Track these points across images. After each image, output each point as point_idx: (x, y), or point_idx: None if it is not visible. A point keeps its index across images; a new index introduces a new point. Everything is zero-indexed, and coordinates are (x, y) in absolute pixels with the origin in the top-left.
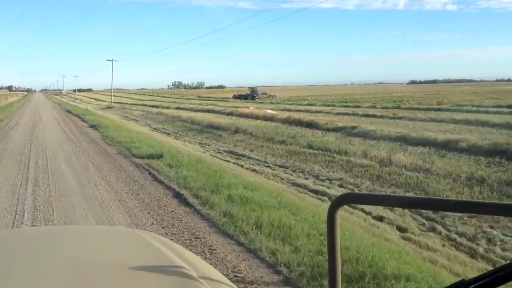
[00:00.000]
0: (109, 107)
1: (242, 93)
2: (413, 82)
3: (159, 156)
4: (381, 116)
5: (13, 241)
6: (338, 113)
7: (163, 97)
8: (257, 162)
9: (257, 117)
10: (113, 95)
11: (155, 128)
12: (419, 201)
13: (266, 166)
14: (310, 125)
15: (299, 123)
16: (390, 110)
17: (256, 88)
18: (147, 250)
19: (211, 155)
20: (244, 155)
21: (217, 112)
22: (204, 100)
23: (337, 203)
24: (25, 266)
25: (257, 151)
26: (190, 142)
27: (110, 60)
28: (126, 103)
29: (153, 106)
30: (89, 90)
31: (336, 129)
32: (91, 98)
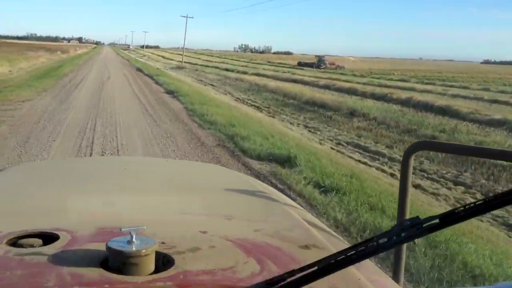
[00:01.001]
0: (179, 67)
1: (308, 61)
2: (487, 62)
3: (286, 159)
4: None
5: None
6: (464, 96)
7: (232, 59)
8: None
9: (363, 95)
10: (180, 55)
11: (239, 99)
12: (489, 151)
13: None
14: (445, 112)
15: (427, 107)
16: None
17: (324, 56)
18: (239, 181)
19: (332, 148)
20: (379, 153)
21: (308, 84)
22: (277, 66)
23: (411, 150)
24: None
25: (399, 148)
26: (292, 124)
27: (184, 17)
28: (196, 64)
29: (226, 70)
30: (156, 47)
31: (496, 123)
32: (159, 55)
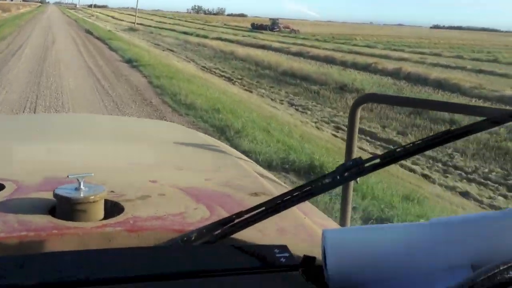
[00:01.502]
0: (132, 29)
1: (262, 23)
2: (436, 27)
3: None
4: None
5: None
6: (445, 66)
7: (186, 21)
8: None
9: (343, 64)
10: (130, 15)
11: (206, 68)
12: (434, 104)
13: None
14: (443, 86)
15: (422, 81)
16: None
17: (277, 19)
18: (191, 136)
19: (334, 135)
20: (394, 142)
21: (278, 50)
22: (234, 29)
23: (359, 102)
24: (71, 142)
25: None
26: (274, 101)
27: None
28: (149, 26)
29: (185, 33)
30: (105, 6)
31: (509, 101)
32: (108, 16)
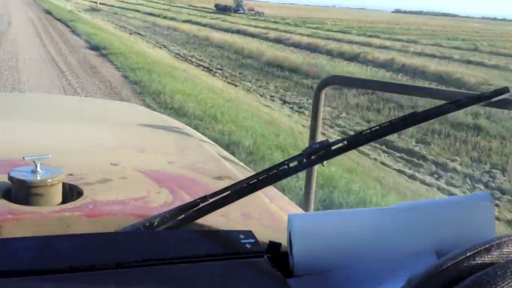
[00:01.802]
0: (94, 9)
1: (226, 5)
2: (397, 11)
3: None
4: None
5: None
6: (430, 55)
7: (149, 1)
8: None
9: (329, 53)
10: None
11: (180, 55)
12: (399, 87)
13: None
14: (445, 80)
15: (419, 74)
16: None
17: (242, 1)
18: (154, 118)
19: None
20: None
21: (255, 36)
22: (201, 11)
23: (322, 85)
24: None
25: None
26: (264, 97)
27: None
28: (112, 6)
29: (151, 15)
30: None
31: None
32: None
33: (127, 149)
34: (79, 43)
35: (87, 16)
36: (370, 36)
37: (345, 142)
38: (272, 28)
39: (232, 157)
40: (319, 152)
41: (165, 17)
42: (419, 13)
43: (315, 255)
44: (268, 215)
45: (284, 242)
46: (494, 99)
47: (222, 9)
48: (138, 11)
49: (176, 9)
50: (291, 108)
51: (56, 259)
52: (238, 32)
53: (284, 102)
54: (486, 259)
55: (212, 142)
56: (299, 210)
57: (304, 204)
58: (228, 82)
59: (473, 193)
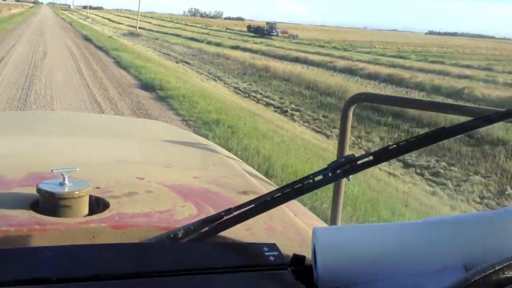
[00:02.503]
0: (133, 34)
1: (258, 26)
2: (431, 33)
3: None
4: None
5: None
6: None
7: (186, 24)
8: None
9: (421, 88)
10: (127, 17)
11: (239, 90)
12: (426, 104)
13: None
14: None
15: None
16: None
17: (275, 24)
18: (180, 135)
19: None
20: None
21: (318, 65)
22: (238, 34)
23: (351, 101)
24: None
25: None
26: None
27: None
28: (151, 30)
29: (193, 40)
30: (100, 8)
31: None
32: (104, 18)
33: (153, 164)
34: (127, 80)
35: (128, 43)
36: (432, 61)
37: (371, 157)
38: (324, 53)
39: (257, 173)
40: (345, 166)
41: (209, 43)
42: (454, 34)
43: (340, 268)
44: (293, 228)
45: (309, 256)
46: None
47: (254, 31)
48: (178, 35)
49: (215, 33)
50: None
51: (81, 268)
52: (297, 60)
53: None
54: None
55: (238, 159)
56: (324, 225)
57: (332, 218)
58: (316, 131)
59: (500, 208)
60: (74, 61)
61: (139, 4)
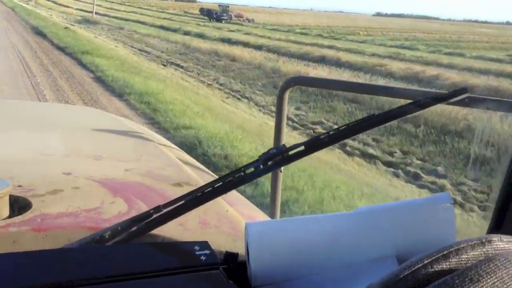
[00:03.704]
0: (89, 21)
1: (209, 9)
2: (379, 14)
3: None
4: None
5: None
6: None
7: (140, 8)
8: None
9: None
10: None
11: (298, 124)
12: (365, 87)
13: None
14: None
15: None
16: None
17: (228, 7)
18: (114, 123)
19: None
20: None
21: (360, 68)
22: (198, 19)
23: (286, 85)
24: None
25: None
26: None
27: None
28: (107, 15)
29: (163, 28)
30: None
31: None
32: (48, 0)
33: (81, 157)
34: (107, 96)
35: (91, 36)
36: (450, 54)
37: (303, 147)
38: (317, 44)
39: (194, 162)
40: (276, 158)
41: (187, 33)
42: (400, 15)
43: (273, 264)
44: (227, 222)
45: (242, 251)
46: (453, 99)
47: (207, 14)
48: (143, 23)
49: (178, 18)
50: None
51: None
52: (323, 60)
53: None
54: (445, 266)
55: (174, 146)
56: (260, 215)
57: (270, 210)
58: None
59: (432, 195)
60: (32, 84)
61: None
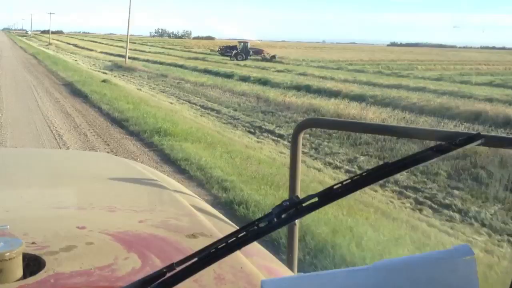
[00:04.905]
0: (122, 67)
1: (228, 45)
2: (393, 44)
3: None
4: None
5: None
6: None
7: (164, 48)
8: None
9: None
10: (92, 41)
11: None
12: (378, 127)
13: None
14: None
15: None
16: None
17: (247, 42)
18: (126, 168)
19: None
20: None
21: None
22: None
23: (300, 127)
24: (9, 182)
25: None
26: None
27: None
28: (138, 59)
29: (209, 73)
30: (60, 32)
31: None
32: (69, 43)
33: (95, 208)
34: None
35: (132, 88)
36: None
37: (316, 198)
38: (399, 86)
39: (210, 209)
40: (290, 210)
41: (244, 79)
42: (417, 45)
43: None
44: (243, 277)
45: None
46: (468, 146)
47: (225, 53)
48: (182, 66)
49: (212, 58)
50: None
51: None
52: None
53: None
54: None
55: (190, 193)
56: (278, 266)
57: (288, 263)
58: None
59: (452, 247)
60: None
61: (128, 29)
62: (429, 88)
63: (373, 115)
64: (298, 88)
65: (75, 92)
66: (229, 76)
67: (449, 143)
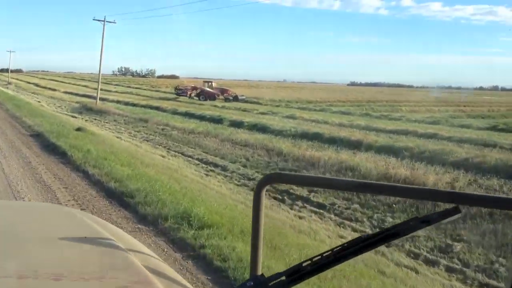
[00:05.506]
0: (92, 110)
1: (185, 86)
2: (353, 84)
3: None
4: None
5: None
6: None
7: (131, 87)
8: None
9: None
10: (52, 80)
11: None
12: (346, 184)
13: None
14: None
15: None
16: None
17: (211, 82)
18: (76, 224)
19: None
20: None
21: None
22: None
23: (264, 182)
24: None
25: None
26: None
27: (100, 20)
28: (107, 100)
29: (191, 116)
30: (19, 70)
31: None
32: (29, 83)
33: (40, 277)
34: None
35: (111, 137)
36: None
37: (284, 277)
38: (404, 131)
39: (171, 272)
40: None
41: (236, 125)
42: (376, 84)
43: None
44: None
45: None
46: (446, 220)
47: (181, 93)
48: (160, 109)
49: (185, 99)
50: None
51: None
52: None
53: None
54: None
55: (148, 252)
56: None
57: None
58: None
59: None
60: None
61: (100, 67)
62: (442, 135)
63: (434, 178)
64: (306, 136)
65: (49, 147)
66: (217, 120)
67: (425, 218)
